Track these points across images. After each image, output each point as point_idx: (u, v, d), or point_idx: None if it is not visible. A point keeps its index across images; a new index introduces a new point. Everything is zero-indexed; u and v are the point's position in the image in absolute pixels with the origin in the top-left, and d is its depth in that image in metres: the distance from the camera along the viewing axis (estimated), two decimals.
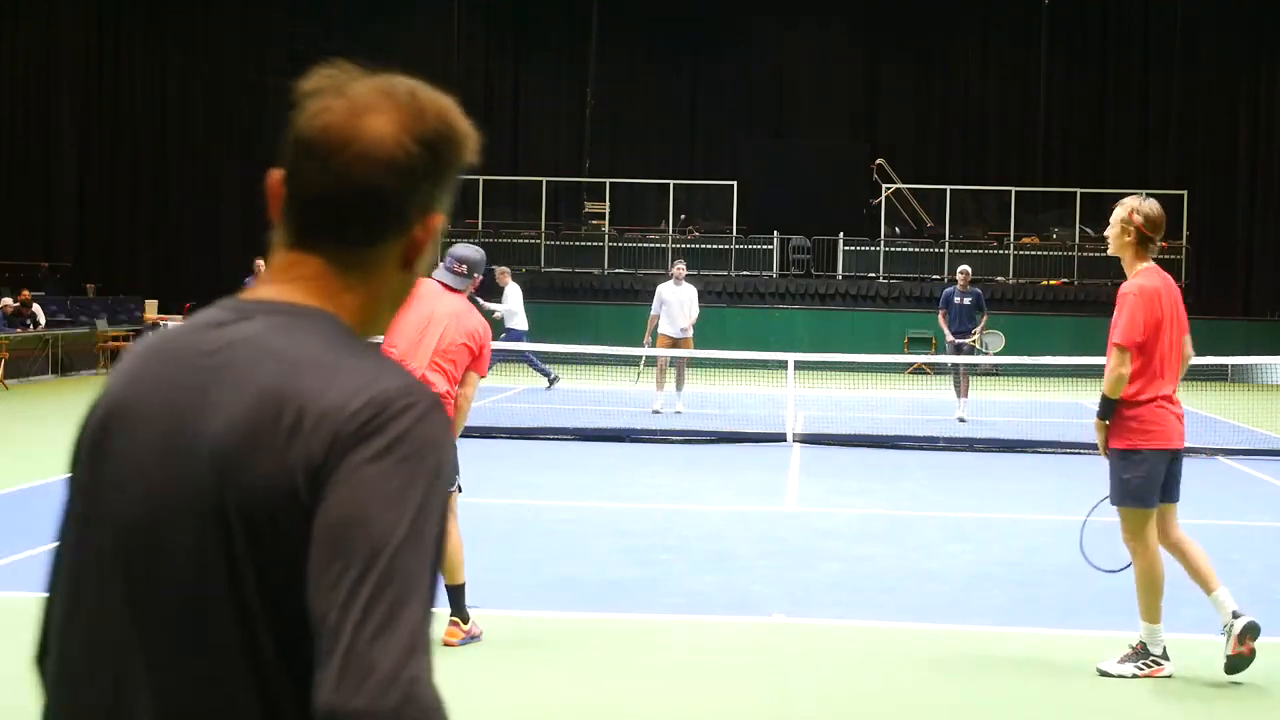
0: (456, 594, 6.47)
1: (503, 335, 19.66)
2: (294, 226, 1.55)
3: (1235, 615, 6.03)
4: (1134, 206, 6.19)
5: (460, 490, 6.51)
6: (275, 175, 1.56)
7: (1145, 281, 6.19)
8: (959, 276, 17.65)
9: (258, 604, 1.43)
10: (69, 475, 1.60)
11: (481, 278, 6.93)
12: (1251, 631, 5.98)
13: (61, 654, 1.57)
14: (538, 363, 20.12)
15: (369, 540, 1.36)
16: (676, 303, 17.39)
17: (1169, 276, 6.33)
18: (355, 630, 1.33)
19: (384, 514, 1.38)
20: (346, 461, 1.40)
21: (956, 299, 17.30)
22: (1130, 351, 6.11)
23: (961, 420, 16.72)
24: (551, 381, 19.97)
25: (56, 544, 1.60)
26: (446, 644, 6.35)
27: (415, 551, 1.38)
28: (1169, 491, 6.23)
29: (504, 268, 20.77)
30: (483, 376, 6.71)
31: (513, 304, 19.91)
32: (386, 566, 1.35)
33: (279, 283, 1.55)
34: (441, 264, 6.78)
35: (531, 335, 20.66)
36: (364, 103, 1.53)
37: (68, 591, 1.57)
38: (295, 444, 1.41)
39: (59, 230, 32.76)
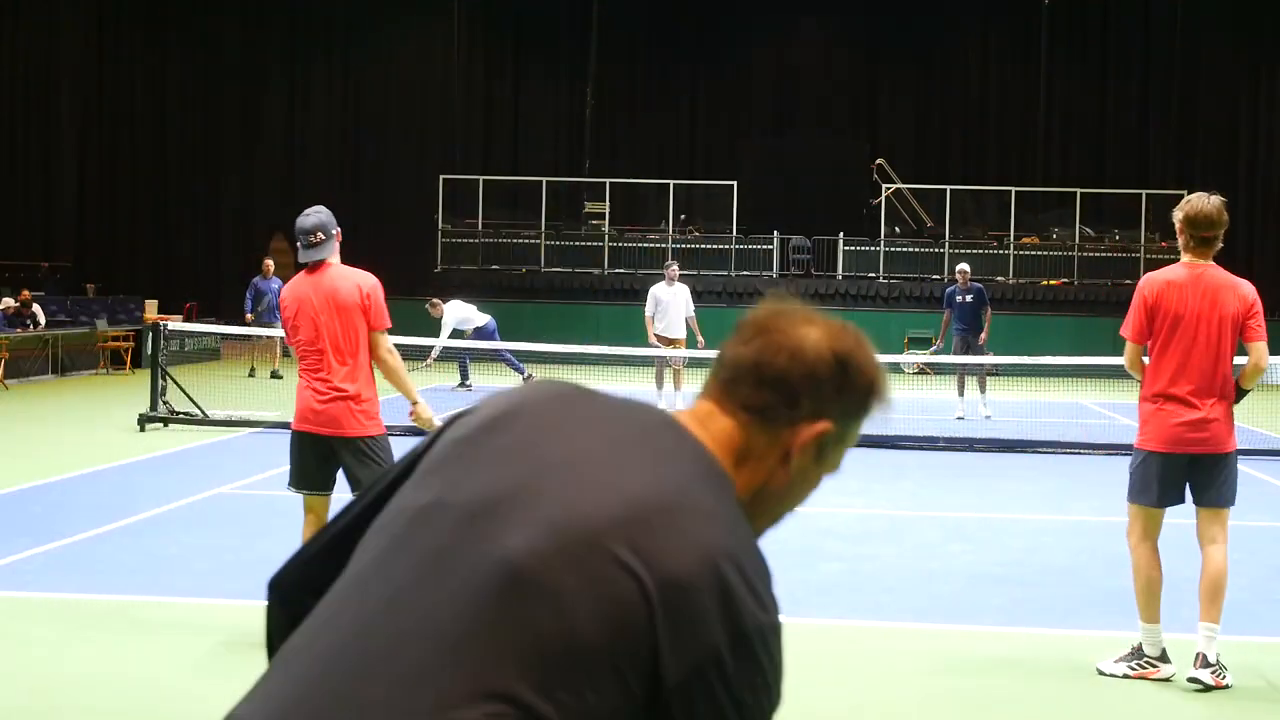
0: None
1: (470, 335, 19.79)
2: (718, 382, 1.75)
3: (1160, 659, 6.11)
4: (1181, 204, 6.15)
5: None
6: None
7: (1161, 274, 6.16)
8: (958, 276, 17.70)
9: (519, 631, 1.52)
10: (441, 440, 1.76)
11: (339, 230, 6.52)
12: (1153, 668, 6.10)
13: (359, 571, 1.67)
14: (514, 360, 20.15)
15: None
16: (672, 302, 17.60)
17: (1212, 274, 6.08)
18: None
19: None
20: (716, 676, 1.51)
21: (959, 298, 17.39)
22: (1129, 342, 6.18)
23: (987, 416, 16.85)
24: (526, 379, 20.01)
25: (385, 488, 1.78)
26: None
27: None
28: (1196, 494, 6.15)
29: (434, 299, 20.79)
30: (386, 329, 6.46)
31: (458, 316, 19.94)
32: None
33: (696, 424, 1.72)
34: (299, 246, 6.47)
35: (531, 336, 20.67)
36: (809, 316, 1.75)
37: (382, 531, 1.69)
38: (678, 621, 1.51)
39: (59, 230, 32.77)
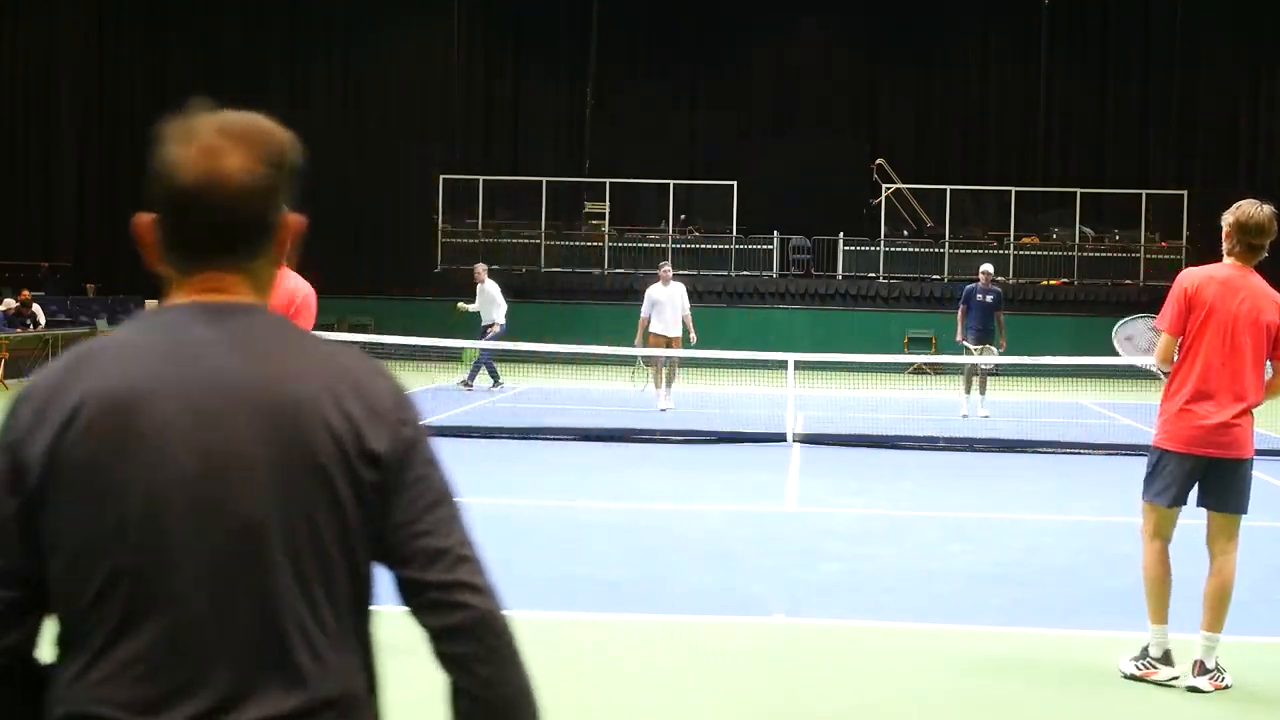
0: None
1: (490, 335, 19.80)
2: (204, 251, 1.81)
3: (1162, 661, 6.07)
4: (1232, 209, 6.06)
5: None
6: (146, 220, 1.82)
7: (1203, 269, 6.10)
8: (981, 276, 17.84)
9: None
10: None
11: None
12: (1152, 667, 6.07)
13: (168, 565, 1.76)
14: (493, 367, 20.21)
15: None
16: (668, 302, 17.76)
17: (1255, 280, 5.99)
18: (470, 564, 1.83)
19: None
20: (407, 433, 1.84)
21: (979, 296, 17.52)
22: (1165, 335, 6.08)
23: (985, 416, 16.91)
24: (497, 382, 20.09)
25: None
26: None
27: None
28: (1209, 499, 6.08)
29: (481, 265, 20.84)
30: None
31: (496, 293, 20.08)
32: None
33: (208, 293, 1.82)
34: None
35: (531, 336, 20.68)
36: (218, 143, 1.80)
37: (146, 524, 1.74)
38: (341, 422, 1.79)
39: (59, 230, 32.75)
